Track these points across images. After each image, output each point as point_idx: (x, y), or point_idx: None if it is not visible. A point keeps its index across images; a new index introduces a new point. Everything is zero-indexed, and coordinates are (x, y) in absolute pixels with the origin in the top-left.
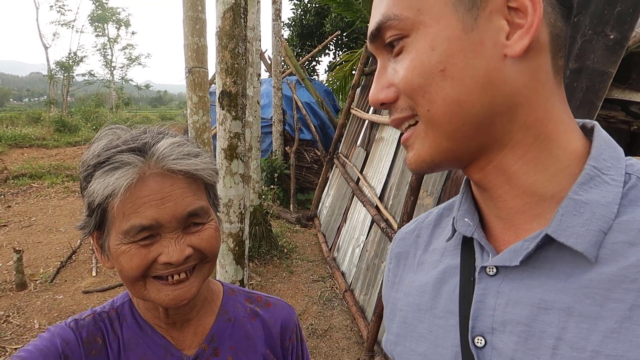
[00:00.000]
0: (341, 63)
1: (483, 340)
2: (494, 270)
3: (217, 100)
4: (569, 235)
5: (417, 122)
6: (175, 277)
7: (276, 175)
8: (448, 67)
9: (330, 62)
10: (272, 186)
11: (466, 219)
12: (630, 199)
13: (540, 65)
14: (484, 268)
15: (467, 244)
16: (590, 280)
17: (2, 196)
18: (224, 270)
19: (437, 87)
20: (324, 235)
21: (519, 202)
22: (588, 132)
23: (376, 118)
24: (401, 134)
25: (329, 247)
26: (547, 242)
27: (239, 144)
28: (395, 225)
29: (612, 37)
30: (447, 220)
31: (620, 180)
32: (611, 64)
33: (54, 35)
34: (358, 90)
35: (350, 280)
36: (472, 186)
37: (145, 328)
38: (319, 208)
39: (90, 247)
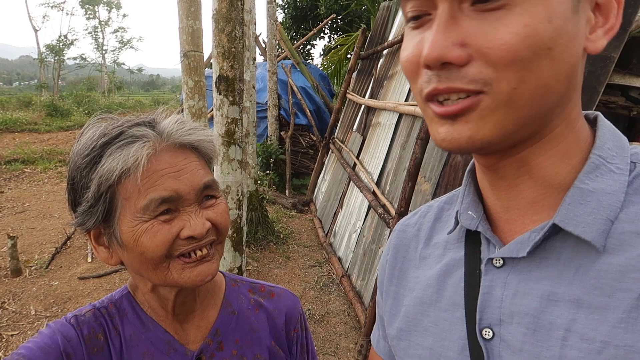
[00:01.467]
0: (336, 47)
1: (491, 332)
2: (501, 262)
3: (214, 85)
4: (576, 224)
5: (469, 95)
6: (199, 252)
7: (272, 160)
8: (555, 46)
9: (325, 45)
10: (267, 171)
11: (470, 212)
12: (635, 188)
13: (583, 65)
14: (490, 260)
15: (470, 236)
16: (599, 270)
17: None
18: (222, 257)
19: (538, 64)
20: (320, 221)
21: (534, 192)
22: (591, 123)
23: (373, 103)
24: (398, 118)
25: (325, 232)
26: (554, 232)
27: (236, 129)
28: (392, 211)
29: None
30: (448, 213)
31: (625, 169)
32: (614, 49)
33: (44, 17)
34: (354, 74)
35: (347, 266)
36: (481, 175)
37: (147, 323)
38: (315, 193)
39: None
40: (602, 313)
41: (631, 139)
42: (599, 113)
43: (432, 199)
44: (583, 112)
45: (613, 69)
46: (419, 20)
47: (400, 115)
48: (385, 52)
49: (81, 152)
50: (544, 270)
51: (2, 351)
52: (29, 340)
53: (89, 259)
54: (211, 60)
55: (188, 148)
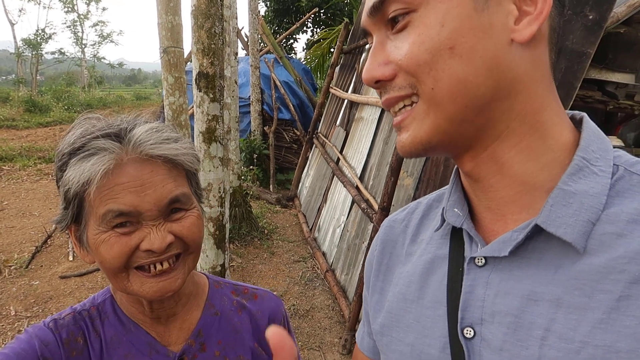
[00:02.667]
0: (319, 40)
1: (472, 331)
2: (483, 261)
3: (194, 82)
4: (558, 226)
5: (412, 103)
6: (158, 267)
7: (255, 155)
8: (457, 45)
9: (308, 39)
10: (251, 167)
11: (455, 210)
12: (617, 190)
13: (540, 56)
14: (472, 259)
15: (455, 234)
16: (579, 271)
17: None
18: (205, 255)
19: (444, 64)
20: (305, 216)
21: (510, 191)
22: (577, 123)
23: (355, 97)
24: (381, 113)
25: (310, 227)
26: (536, 233)
27: (217, 126)
28: (375, 206)
29: (591, 17)
30: (436, 211)
31: (608, 172)
32: (590, 45)
33: (20, 11)
34: (337, 68)
35: (331, 261)
36: (461, 177)
37: (129, 325)
38: (299, 188)
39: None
40: (581, 313)
41: (607, 132)
42: (584, 114)
43: (414, 193)
44: (569, 112)
45: (590, 64)
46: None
47: (383, 110)
48: (367, 46)
49: (58, 154)
50: (526, 270)
51: None
52: (5, 346)
53: (70, 258)
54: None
55: (159, 160)
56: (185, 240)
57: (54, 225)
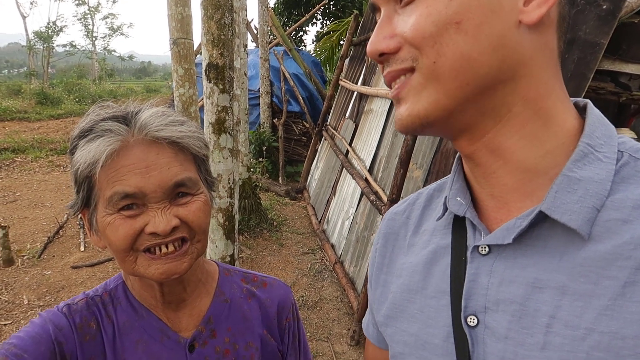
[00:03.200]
0: (328, 33)
1: (476, 319)
2: (487, 249)
3: (204, 73)
4: (563, 212)
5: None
6: (163, 249)
7: (264, 148)
8: (464, 20)
9: (317, 32)
10: (260, 159)
11: (458, 198)
12: (622, 177)
13: (548, 42)
14: (476, 247)
15: (458, 223)
16: (585, 258)
17: None
18: (214, 245)
19: (449, 38)
20: (314, 208)
21: (512, 178)
22: (581, 111)
23: (365, 89)
24: (390, 105)
25: (319, 219)
26: (541, 220)
27: (227, 117)
28: (384, 198)
29: (604, 7)
30: (438, 201)
31: (613, 158)
32: (603, 35)
33: (32, 4)
34: (346, 61)
35: (340, 253)
36: (464, 164)
37: (141, 311)
38: (308, 180)
39: (78, 222)
40: (587, 300)
41: (620, 124)
42: (588, 101)
43: (423, 185)
44: (573, 99)
45: (602, 55)
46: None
47: (393, 102)
48: None
49: (70, 141)
50: (530, 258)
51: (2, 342)
52: (20, 329)
53: (82, 248)
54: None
55: (164, 143)
56: (190, 225)
57: (66, 215)
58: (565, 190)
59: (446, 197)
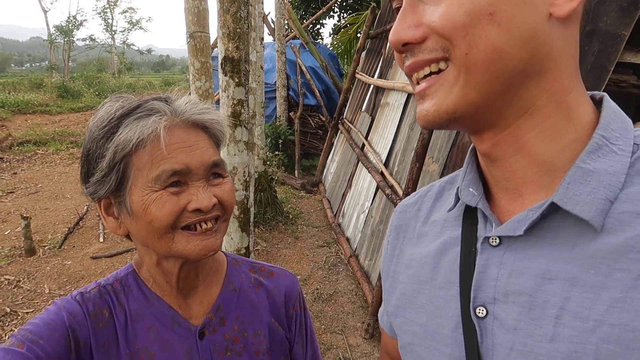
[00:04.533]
0: (346, 26)
1: (484, 310)
2: (497, 240)
3: (220, 66)
4: (575, 204)
5: (439, 70)
6: (204, 225)
7: (281, 141)
8: (497, 11)
9: (334, 25)
10: (276, 152)
11: (471, 189)
12: (637, 169)
13: (573, 35)
14: (486, 238)
15: (469, 214)
16: (596, 250)
17: (8, 163)
18: (230, 237)
19: (482, 29)
20: (329, 201)
21: (529, 171)
22: (597, 104)
23: (381, 83)
24: (407, 99)
25: (334, 213)
26: (553, 211)
27: (242, 111)
28: (400, 192)
29: None
30: (449, 193)
31: (628, 150)
32: (624, 26)
33: None
34: (363, 54)
35: (355, 246)
36: (478, 156)
37: (152, 298)
38: (324, 174)
39: (97, 214)
40: (597, 292)
41: None
42: (605, 94)
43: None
44: (589, 92)
45: (625, 47)
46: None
47: (409, 96)
48: None
49: (98, 124)
50: (541, 249)
51: (18, 328)
52: (35, 316)
53: (101, 239)
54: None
55: (199, 127)
56: (224, 204)
57: (86, 206)
58: (578, 181)
59: (458, 187)
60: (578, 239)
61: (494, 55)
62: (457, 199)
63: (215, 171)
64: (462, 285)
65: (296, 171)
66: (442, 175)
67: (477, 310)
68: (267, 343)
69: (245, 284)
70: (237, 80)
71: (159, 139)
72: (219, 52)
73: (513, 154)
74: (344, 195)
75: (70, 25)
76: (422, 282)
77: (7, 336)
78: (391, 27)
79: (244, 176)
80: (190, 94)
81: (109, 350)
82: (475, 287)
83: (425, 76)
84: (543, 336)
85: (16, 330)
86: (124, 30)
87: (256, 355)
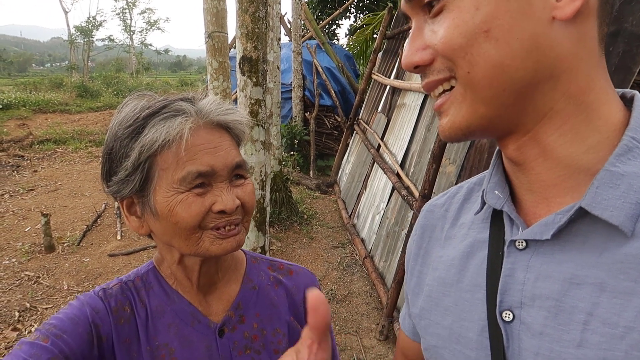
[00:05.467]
0: (362, 26)
1: (511, 314)
2: (524, 244)
3: (238, 66)
4: (604, 208)
5: (452, 87)
6: (228, 228)
7: (296, 141)
8: (493, 28)
9: (350, 25)
10: (292, 152)
11: (496, 192)
12: None
13: (587, 32)
14: (513, 242)
15: (496, 217)
16: (626, 255)
17: (29, 161)
18: (246, 236)
19: (479, 48)
20: (344, 202)
21: (552, 174)
22: (628, 102)
23: (398, 83)
24: (424, 99)
25: (349, 213)
26: (581, 216)
27: (259, 110)
28: (416, 193)
29: None
30: (477, 194)
31: None
32: None
33: None
34: (379, 54)
35: (370, 247)
36: (503, 159)
37: (172, 295)
38: (339, 175)
39: (115, 212)
40: (627, 298)
41: None
42: (636, 92)
43: (456, 181)
44: (619, 90)
45: None
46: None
47: (426, 96)
48: (411, 31)
49: (123, 123)
50: (568, 253)
51: (37, 323)
52: (59, 311)
53: (119, 237)
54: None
55: (223, 127)
56: (245, 206)
57: (104, 205)
58: (607, 185)
59: (484, 190)
60: (607, 244)
61: (495, 71)
62: (483, 202)
63: (238, 172)
64: (488, 289)
65: (311, 171)
66: (459, 176)
67: (504, 315)
68: (286, 342)
69: (265, 282)
70: (254, 80)
71: (185, 141)
72: (237, 51)
73: (536, 158)
74: (359, 196)
75: (89, 25)
76: (448, 285)
77: (27, 330)
78: (408, 28)
79: (261, 175)
80: (207, 94)
81: (130, 346)
82: (502, 291)
83: (440, 94)
84: (570, 342)
85: (38, 325)
86: (142, 31)
87: (275, 354)
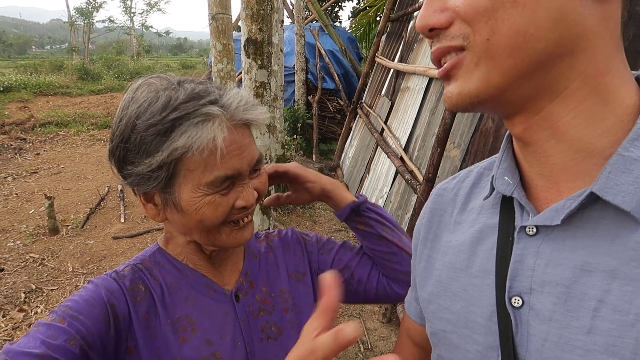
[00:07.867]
0: (365, 9)
1: (520, 300)
2: (534, 230)
3: (242, 48)
4: (616, 194)
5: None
6: (246, 219)
7: (299, 125)
8: None
9: (354, 7)
10: (294, 136)
11: (506, 178)
12: None
13: (612, 13)
14: (523, 228)
15: (506, 202)
16: (638, 242)
17: (31, 144)
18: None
19: (505, 13)
20: (347, 186)
21: (564, 158)
22: None
23: (402, 67)
24: (428, 83)
25: None
26: (592, 201)
27: (265, 93)
28: (420, 177)
29: None
30: (487, 179)
31: None
32: None
33: None
34: (383, 37)
35: None
36: (513, 142)
37: (185, 270)
38: (342, 158)
39: (118, 195)
40: (638, 285)
41: None
42: None
43: (460, 165)
44: (634, 72)
45: None
46: None
47: (430, 80)
48: (415, 13)
49: (144, 117)
50: (579, 240)
51: (44, 304)
52: (74, 294)
53: (122, 220)
54: (239, 23)
55: (246, 125)
56: (260, 194)
57: (107, 187)
58: (620, 170)
59: (493, 176)
60: (619, 231)
61: (518, 39)
62: (492, 188)
63: (257, 167)
64: (497, 275)
65: (314, 155)
66: (463, 160)
67: (513, 300)
68: (292, 299)
69: (262, 251)
70: (259, 62)
71: (216, 148)
72: (242, 33)
73: (547, 139)
74: (362, 180)
75: (89, 7)
76: (457, 270)
77: (32, 312)
78: (413, 10)
79: (265, 159)
80: (210, 75)
81: (148, 322)
82: (511, 277)
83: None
84: (580, 328)
85: (44, 306)
86: (143, 13)
87: (285, 312)
